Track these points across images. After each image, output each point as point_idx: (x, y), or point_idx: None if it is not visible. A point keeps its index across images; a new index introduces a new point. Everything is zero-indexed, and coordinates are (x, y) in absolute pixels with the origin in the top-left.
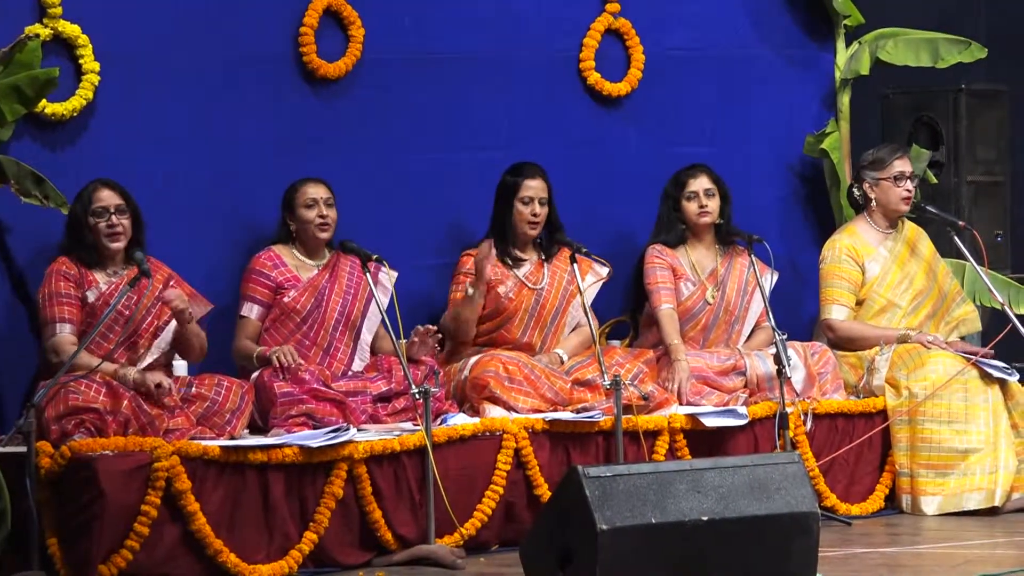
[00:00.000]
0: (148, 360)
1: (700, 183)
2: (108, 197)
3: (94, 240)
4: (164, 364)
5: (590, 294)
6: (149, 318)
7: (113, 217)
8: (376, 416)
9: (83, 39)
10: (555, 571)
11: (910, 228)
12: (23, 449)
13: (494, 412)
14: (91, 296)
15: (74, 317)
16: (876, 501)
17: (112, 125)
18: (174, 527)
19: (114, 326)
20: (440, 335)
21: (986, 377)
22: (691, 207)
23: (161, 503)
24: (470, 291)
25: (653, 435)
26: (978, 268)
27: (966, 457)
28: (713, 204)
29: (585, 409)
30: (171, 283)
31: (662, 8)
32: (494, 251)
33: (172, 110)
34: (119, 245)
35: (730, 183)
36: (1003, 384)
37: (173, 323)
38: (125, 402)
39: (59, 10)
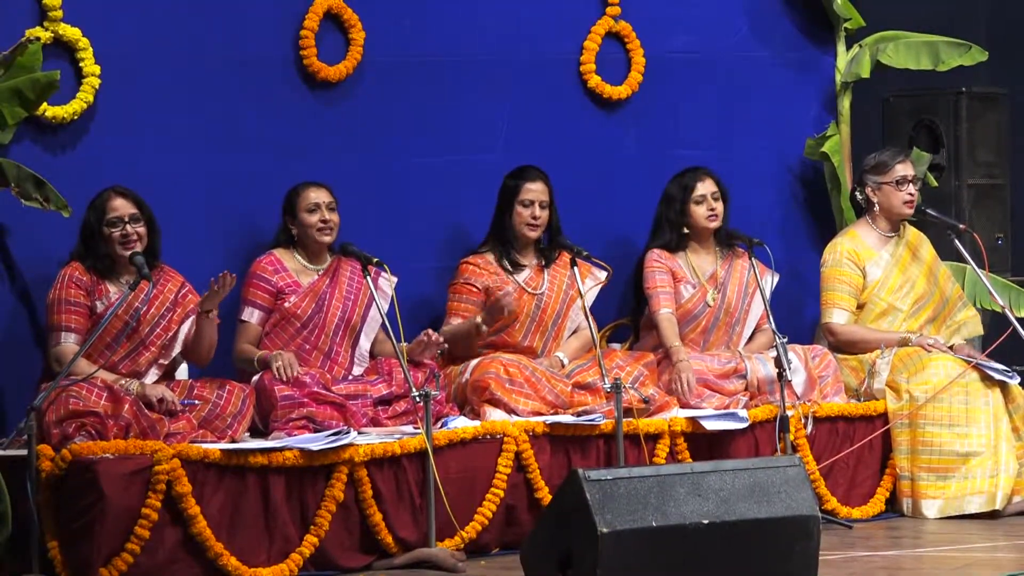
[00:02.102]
0: (151, 377)
1: (708, 187)
2: (122, 206)
3: (108, 249)
4: (167, 371)
5: (589, 298)
6: (157, 330)
7: (127, 227)
8: (377, 419)
9: (84, 42)
10: (555, 574)
11: (911, 232)
12: (24, 452)
13: (495, 415)
14: (100, 306)
15: (80, 327)
16: (877, 504)
17: (112, 128)
18: (175, 530)
19: (119, 337)
20: (446, 346)
21: (987, 380)
22: (700, 211)
23: (162, 506)
24: (483, 328)
25: (654, 438)
26: (979, 271)
27: (967, 460)
28: (719, 207)
29: (586, 412)
30: (184, 290)
31: (663, 11)
32: (512, 299)
33: (173, 113)
34: None
35: (731, 186)
36: (1004, 387)
37: (180, 336)
38: (126, 406)
39: (60, 13)
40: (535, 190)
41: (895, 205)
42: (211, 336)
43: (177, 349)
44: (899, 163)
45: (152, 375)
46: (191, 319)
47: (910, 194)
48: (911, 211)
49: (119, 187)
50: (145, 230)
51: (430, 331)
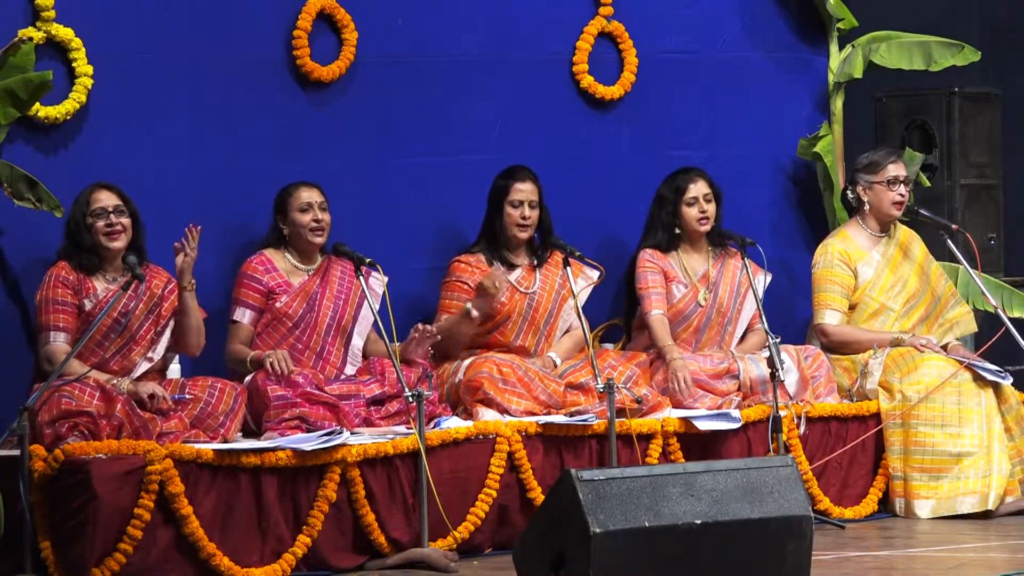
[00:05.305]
0: (142, 370)
1: (699, 188)
2: (106, 198)
3: (93, 242)
4: (158, 370)
5: (581, 298)
6: (146, 325)
7: (112, 216)
8: (369, 419)
9: (76, 42)
10: (548, 574)
11: (903, 231)
12: (16, 452)
13: (487, 415)
14: (88, 304)
15: (69, 325)
16: (869, 505)
17: (105, 128)
18: (167, 530)
19: (110, 334)
20: (439, 337)
21: (979, 380)
22: (692, 213)
23: (154, 506)
24: (474, 313)
25: (646, 438)
26: (971, 271)
27: (959, 461)
28: (711, 209)
29: (579, 412)
30: (171, 286)
31: (655, 11)
32: (504, 279)
33: (165, 113)
34: (119, 244)
35: (723, 186)
36: (996, 387)
37: (169, 330)
38: (119, 406)
39: (52, 13)
40: (524, 190)
41: (886, 205)
42: (196, 315)
43: (164, 344)
44: (891, 163)
45: (142, 368)
46: (170, 330)
47: (901, 194)
48: (900, 212)
49: (103, 181)
50: (130, 222)
51: (420, 324)
